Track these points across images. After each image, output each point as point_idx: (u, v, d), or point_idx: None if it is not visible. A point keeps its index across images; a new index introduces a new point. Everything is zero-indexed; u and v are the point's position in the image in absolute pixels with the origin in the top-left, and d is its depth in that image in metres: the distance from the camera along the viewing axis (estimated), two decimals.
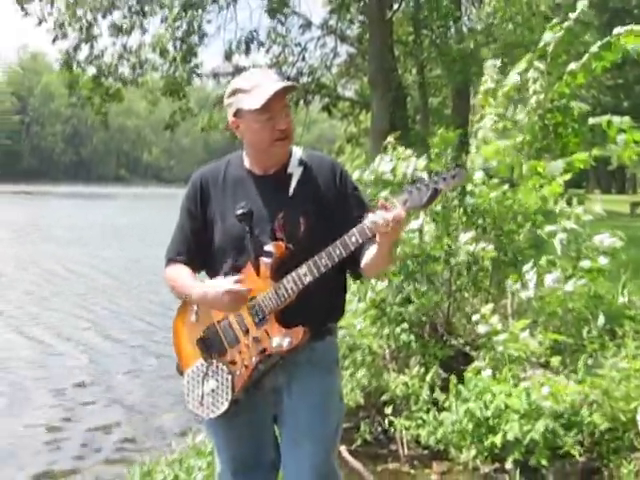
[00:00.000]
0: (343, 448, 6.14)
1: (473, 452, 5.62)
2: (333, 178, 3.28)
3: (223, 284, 3.10)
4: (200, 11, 16.01)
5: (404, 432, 6.10)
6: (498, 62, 7.33)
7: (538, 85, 6.72)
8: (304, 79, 18.16)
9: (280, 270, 3.09)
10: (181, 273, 3.34)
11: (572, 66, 6.66)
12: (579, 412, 5.45)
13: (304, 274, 3.03)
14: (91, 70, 16.77)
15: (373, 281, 6.54)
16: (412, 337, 6.49)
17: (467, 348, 6.66)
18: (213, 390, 3.17)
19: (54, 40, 16.00)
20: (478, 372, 5.96)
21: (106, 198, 71.30)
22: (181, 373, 3.34)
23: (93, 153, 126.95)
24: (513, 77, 6.89)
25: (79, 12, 15.90)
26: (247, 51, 16.97)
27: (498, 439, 5.39)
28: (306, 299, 3.06)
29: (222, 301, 3.09)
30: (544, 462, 5.24)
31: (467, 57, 17.30)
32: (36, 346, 11.52)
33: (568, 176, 6.42)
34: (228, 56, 17.33)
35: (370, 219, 2.92)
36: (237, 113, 3.20)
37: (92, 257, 23.37)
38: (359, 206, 3.26)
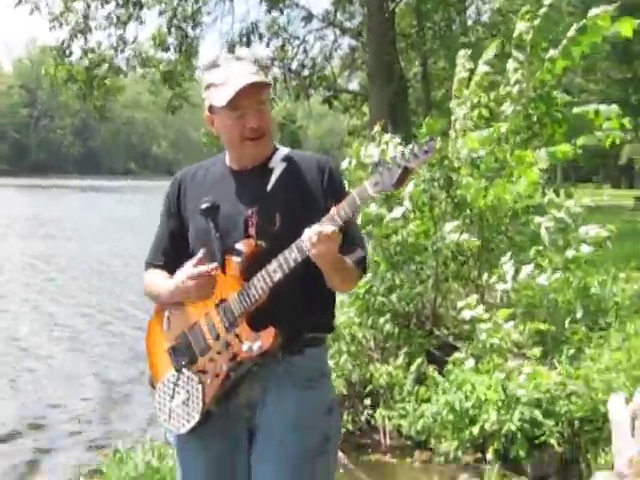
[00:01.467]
0: None
1: (454, 443, 5.63)
2: (320, 175, 3.01)
3: (184, 272, 2.93)
4: (199, 2, 16.04)
5: (387, 422, 6.11)
6: (469, 52, 7.36)
7: (519, 74, 6.71)
8: (305, 72, 18.12)
9: (253, 270, 2.86)
10: (156, 277, 3.19)
11: (551, 53, 6.66)
12: (557, 402, 5.44)
13: (273, 270, 2.79)
14: (84, 62, 16.58)
15: None
16: (396, 328, 6.49)
17: (452, 339, 6.66)
18: (184, 402, 2.96)
19: (51, 29, 15.87)
20: (461, 363, 5.95)
21: (115, 191, 71.23)
22: (153, 386, 3.13)
23: (102, 146, 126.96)
24: (481, 67, 6.89)
25: (75, 4, 15.85)
26: (248, 43, 16.84)
27: (476, 430, 5.39)
28: (278, 301, 2.84)
29: (189, 289, 2.93)
30: (522, 453, 5.25)
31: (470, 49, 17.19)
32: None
33: (543, 165, 6.42)
34: (230, 48, 17.24)
35: (305, 233, 2.69)
36: (210, 109, 3.03)
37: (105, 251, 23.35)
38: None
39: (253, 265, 2.86)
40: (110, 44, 16.57)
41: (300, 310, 2.93)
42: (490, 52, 6.99)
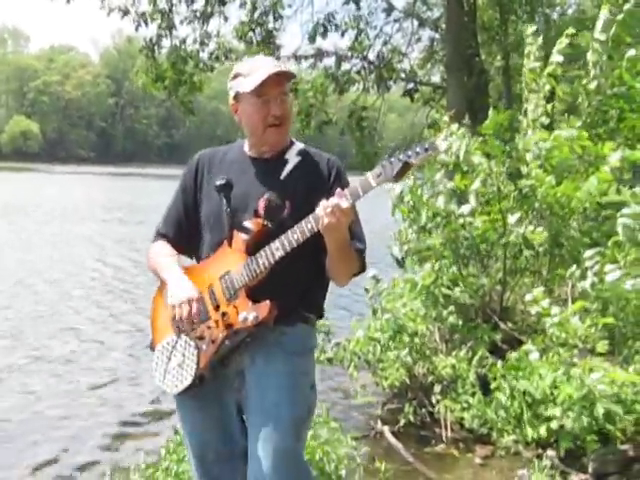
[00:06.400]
0: (386, 428, 6.18)
1: (516, 437, 5.57)
2: (328, 173, 3.30)
3: (180, 293, 3.15)
4: None
5: (449, 414, 6.09)
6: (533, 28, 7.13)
7: (598, 69, 6.53)
8: (383, 64, 17.99)
9: (258, 248, 3.10)
10: (161, 252, 3.41)
11: (632, 52, 6.42)
12: (624, 399, 5.32)
13: (276, 248, 3.03)
14: (171, 59, 16.67)
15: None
16: (460, 320, 6.45)
17: (517, 333, 6.58)
18: (179, 365, 3.19)
19: (137, 28, 16.16)
20: (526, 354, 5.86)
21: None
22: (152, 349, 3.37)
23: (186, 137, 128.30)
24: (555, 56, 6.69)
25: (160, 4, 16.07)
26: (324, 34, 16.83)
27: (543, 429, 5.31)
28: (278, 277, 3.07)
29: (174, 311, 3.15)
30: (594, 447, 5.17)
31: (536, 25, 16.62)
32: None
33: (615, 164, 6.17)
34: (311, 38, 17.25)
35: (320, 205, 2.92)
36: (236, 96, 3.28)
37: None
38: None
39: (259, 244, 3.11)
40: (194, 39, 16.74)
41: (297, 289, 3.20)
42: (564, 41, 6.78)
